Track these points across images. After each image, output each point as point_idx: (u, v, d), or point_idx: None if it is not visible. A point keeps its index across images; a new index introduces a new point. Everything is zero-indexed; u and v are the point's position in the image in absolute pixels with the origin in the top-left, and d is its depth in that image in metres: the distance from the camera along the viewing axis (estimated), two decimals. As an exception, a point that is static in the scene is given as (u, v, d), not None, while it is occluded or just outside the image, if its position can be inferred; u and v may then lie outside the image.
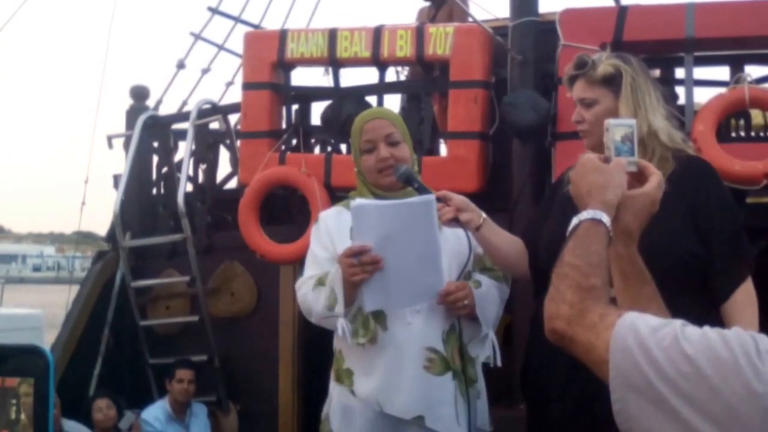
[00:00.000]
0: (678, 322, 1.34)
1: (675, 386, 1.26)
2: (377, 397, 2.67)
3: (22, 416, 2.25)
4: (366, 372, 2.70)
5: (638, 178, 1.77)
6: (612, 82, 2.58)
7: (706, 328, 1.31)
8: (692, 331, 1.31)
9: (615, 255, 1.69)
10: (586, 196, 1.67)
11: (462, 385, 2.67)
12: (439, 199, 2.62)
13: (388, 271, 2.51)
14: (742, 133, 4.43)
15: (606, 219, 1.60)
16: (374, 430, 2.68)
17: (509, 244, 2.77)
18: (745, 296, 2.47)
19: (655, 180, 1.74)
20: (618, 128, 1.85)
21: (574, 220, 1.63)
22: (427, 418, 2.63)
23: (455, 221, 2.60)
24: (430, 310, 2.64)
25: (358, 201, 2.59)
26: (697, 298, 2.47)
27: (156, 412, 5.15)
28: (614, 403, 1.33)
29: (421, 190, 2.65)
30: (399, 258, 2.51)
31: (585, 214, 1.62)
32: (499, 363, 2.78)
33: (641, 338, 1.31)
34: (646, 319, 1.36)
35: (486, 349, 2.75)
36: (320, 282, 2.71)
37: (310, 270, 2.79)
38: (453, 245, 2.69)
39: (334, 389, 2.80)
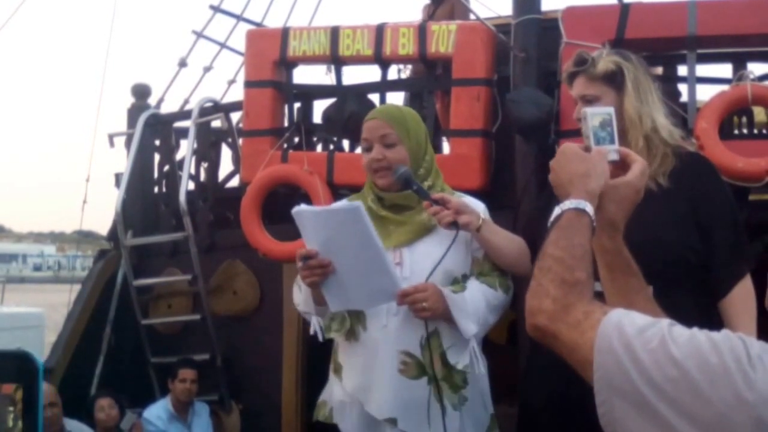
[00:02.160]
0: (665, 322, 1.29)
1: (661, 390, 1.21)
2: (358, 395, 2.71)
3: (20, 423, 2.25)
4: (350, 368, 2.76)
5: (621, 166, 1.71)
6: (613, 78, 2.59)
7: (695, 330, 1.26)
8: (680, 332, 1.26)
9: (600, 247, 1.64)
10: (567, 185, 1.61)
11: (443, 391, 2.65)
12: (437, 202, 2.63)
13: (340, 273, 2.56)
14: (745, 131, 4.43)
15: (589, 208, 1.54)
16: (362, 425, 2.72)
17: (510, 243, 2.77)
18: (743, 293, 2.47)
19: (638, 168, 1.68)
20: (595, 116, 1.80)
21: (557, 210, 1.56)
22: (400, 421, 2.65)
23: (454, 224, 2.61)
24: (408, 313, 2.63)
25: (298, 207, 2.64)
26: (697, 295, 2.48)
27: (158, 411, 5.14)
28: (599, 406, 1.29)
29: (420, 192, 2.66)
30: (346, 261, 2.55)
31: (567, 204, 1.56)
32: (480, 370, 2.76)
33: (627, 339, 1.26)
34: (632, 318, 1.30)
35: (465, 357, 2.71)
36: None
37: None
38: (444, 249, 2.66)
39: (333, 380, 2.84)
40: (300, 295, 2.82)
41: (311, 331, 2.80)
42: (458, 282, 2.72)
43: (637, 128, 2.55)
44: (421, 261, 2.65)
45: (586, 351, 1.31)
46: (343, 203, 2.69)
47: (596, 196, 1.59)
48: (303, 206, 2.64)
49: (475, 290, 2.70)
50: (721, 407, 1.16)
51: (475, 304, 2.67)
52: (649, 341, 1.24)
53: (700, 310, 2.47)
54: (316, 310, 2.73)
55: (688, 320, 2.49)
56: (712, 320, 2.47)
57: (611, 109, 1.83)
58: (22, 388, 2.18)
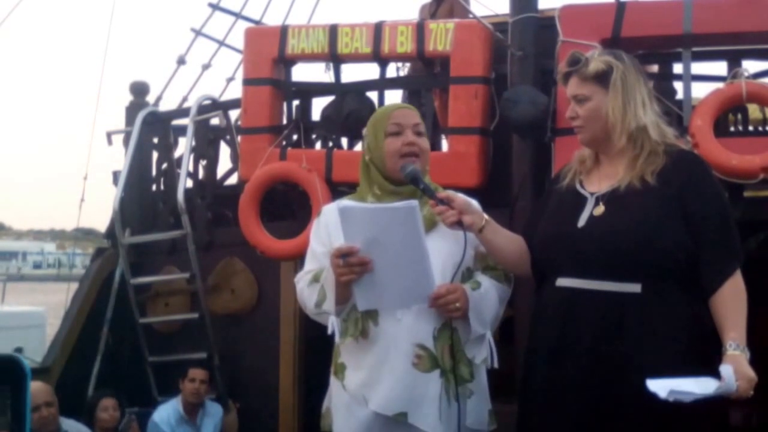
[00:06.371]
0: None
1: None
2: (363, 392, 2.68)
3: (8, 426, 2.27)
4: (356, 367, 2.72)
5: None
6: (604, 78, 2.61)
7: None
8: None
9: None
10: None
11: (450, 383, 2.66)
12: (442, 201, 2.63)
13: (377, 272, 2.52)
14: (740, 128, 4.45)
15: None
16: (368, 427, 2.68)
17: (511, 243, 2.77)
18: (734, 289, 2.47)
19: None
20: None
21: None
22: (410, 415, 2.62)
23: (458, 224, 2.62)
24: (422, 307, 2.63)
25: (344, 203, 2.62)
26: (687, 292, 2.48)
27: (167, 413, 5.02)
28: None
29: (426, 191, 2.66)
30: (387, 260, 2.52)
31: None
32: (495, 365, 2.77)
33: None
34: None
35: (483, 351, 2.74)
36: (315, 278, 2.74)
37: (309, 265, 2.83)
38: (450, 245, 2.68)
39: (334, 384, 2.82)
40: (318, 296, 2.72)
41: (329, 331, 2.73)
42: (467, 278, 2.74)
43: (618, 127, 2.58)
44: (432, 257, 2.65)
45: None
46: (397, 203, 2.62)
47: None
48: (349, 202, 2.63)
49: (488, 286, 2.73)
50: None
51: (492, 300, 2.72)
52: None
53: (691, 307, 2.48)
54: (337, 310, 2.68)
55: (678, 317, 2.50)
56: (703, 317, 2.48)
57: None
58: (10, 392, 2.19)
